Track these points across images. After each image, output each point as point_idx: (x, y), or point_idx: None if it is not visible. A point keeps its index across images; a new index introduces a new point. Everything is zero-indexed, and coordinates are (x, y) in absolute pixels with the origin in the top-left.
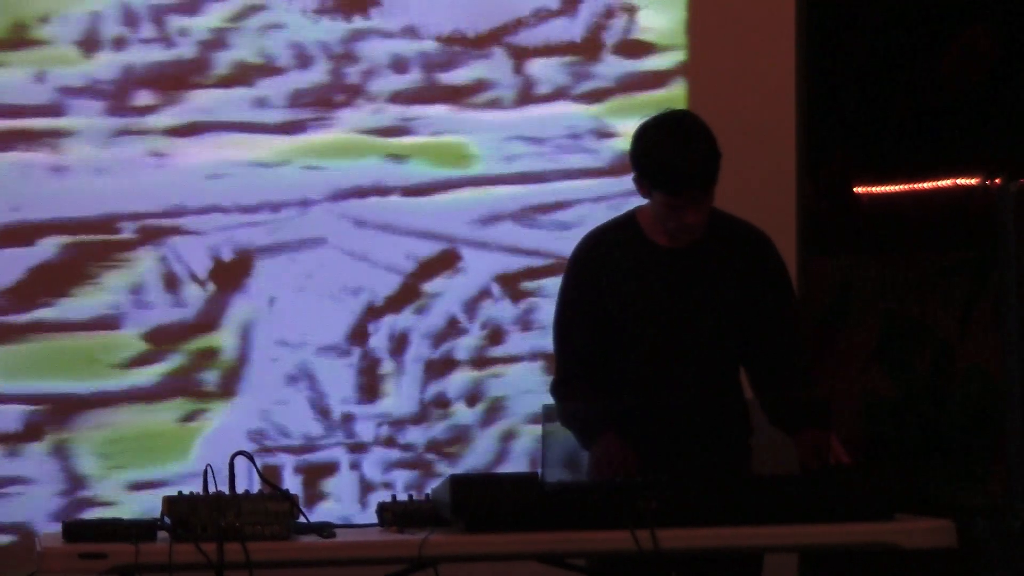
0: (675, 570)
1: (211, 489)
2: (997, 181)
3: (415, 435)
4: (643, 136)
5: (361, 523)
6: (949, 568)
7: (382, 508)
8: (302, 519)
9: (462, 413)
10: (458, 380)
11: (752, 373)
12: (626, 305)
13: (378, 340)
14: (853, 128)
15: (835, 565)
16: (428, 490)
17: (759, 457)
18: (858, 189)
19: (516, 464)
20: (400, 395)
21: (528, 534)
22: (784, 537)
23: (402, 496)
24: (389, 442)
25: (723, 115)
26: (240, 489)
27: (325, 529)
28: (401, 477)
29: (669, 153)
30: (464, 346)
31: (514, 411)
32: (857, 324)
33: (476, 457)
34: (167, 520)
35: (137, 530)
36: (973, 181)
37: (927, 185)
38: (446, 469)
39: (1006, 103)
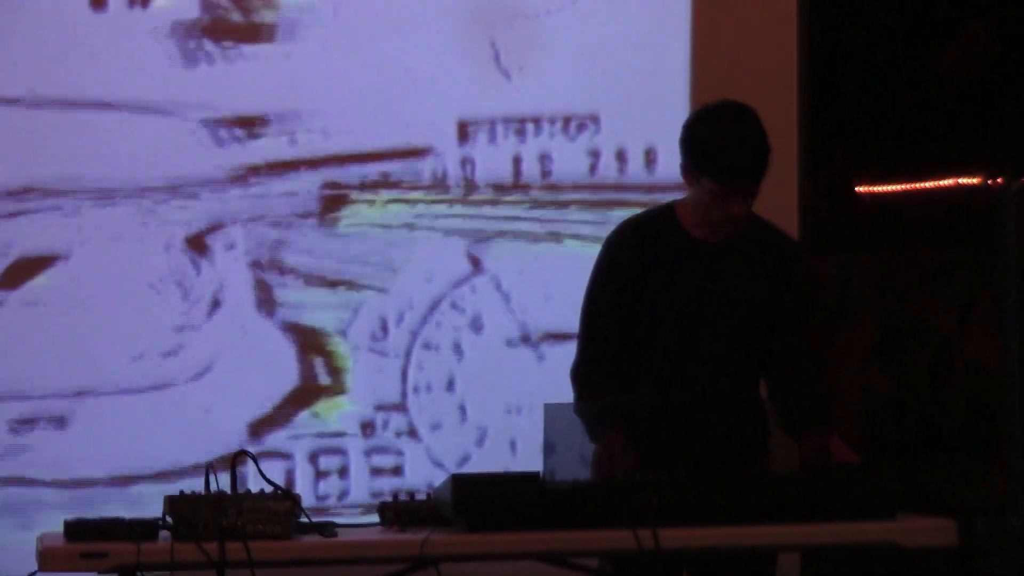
0: (687, 569)
1: (213, 488)
2: (999, 180)
3: (417, 432)
4: (698, 123)
5: (363, 522)
6: (949, 566)
7: (384, 507)
8: (304, 518)
9: (471, 410)
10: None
11: (768, 379)
12: (656, 294)
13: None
14: (854, 127)
15: (837, 564)
16: (430, 489)
17: (778, 458)
18: (859, 188)
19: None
20: (404, 392)
21: (529, 533)
22: (786, 536)
23: (403, 496)
24: (391, 440)
25: None
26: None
27: (327, 528)
28: (402, 476)
29: (725, 141)
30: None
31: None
32: (857, 322)
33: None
34: (169, 519)
35: (139, 529)
36: (974, 180)
37: (928, 184)
38: (448, 468)
39: (1007, 102)
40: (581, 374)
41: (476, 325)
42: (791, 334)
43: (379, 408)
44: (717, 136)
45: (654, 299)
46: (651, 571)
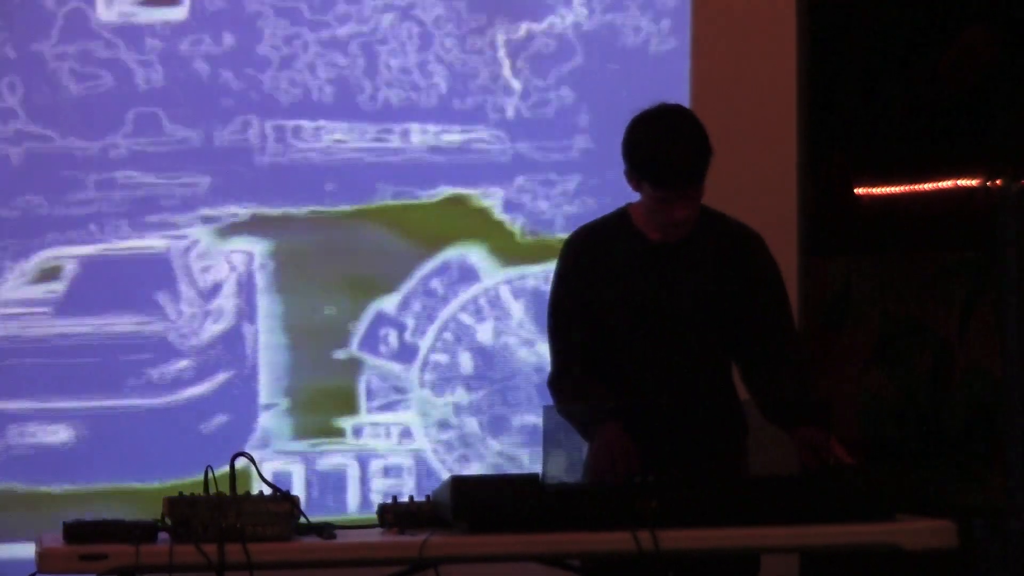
0: (672, 571)
1: (211, 490)
2: (998, 182)
3: (417, 436)
4: (635, 128)
5: (362, 524)
6: (949, 569)
7: (383, 509)
8: (303, 520)
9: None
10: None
11: (746, 370)
12: (617, 299)
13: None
14: (853, 129)
15: (836, 566)
16: (429, 491)
17: (756, 457)
18: (858, 190)
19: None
20: (401, 397)
21: (529, 535)
22: (785, 538)
23: (403, 497)
24: (391, 442)
25: (724, 115)
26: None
27: (326, 530)
28: (402, 478)
29: (659, 146)
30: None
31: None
32: (857, 324)
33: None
34: (168, 521)
35: (138, 531)
36: (974, 182)
37: (927, 186)
38: (448, 471)
39: (1006, 103)
40: (558, 385)
41: (481, 329)
42: (762, 324)
43: (380, 410)
44: (652, 142)
45: (615, 303)
46: (639, 573)
